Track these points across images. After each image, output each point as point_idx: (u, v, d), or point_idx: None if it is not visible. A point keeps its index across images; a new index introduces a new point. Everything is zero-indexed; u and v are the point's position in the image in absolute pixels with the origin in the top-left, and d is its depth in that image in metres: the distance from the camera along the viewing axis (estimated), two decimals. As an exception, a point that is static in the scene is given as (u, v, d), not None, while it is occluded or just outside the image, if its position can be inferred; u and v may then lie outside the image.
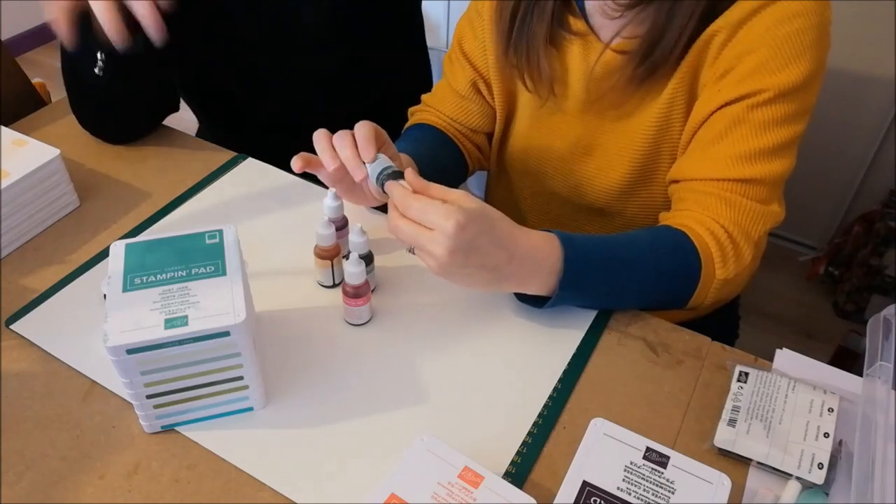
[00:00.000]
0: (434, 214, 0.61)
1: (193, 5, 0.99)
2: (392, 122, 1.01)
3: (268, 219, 0.86)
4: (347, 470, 0.61)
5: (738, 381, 0.66)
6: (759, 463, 0.61)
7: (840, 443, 0.62)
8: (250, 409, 0.65)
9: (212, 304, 0.59)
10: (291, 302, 0.76)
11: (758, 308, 1.77)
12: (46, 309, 0.75)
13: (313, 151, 0.80)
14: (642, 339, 0.73)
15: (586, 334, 0.73)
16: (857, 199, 1.78)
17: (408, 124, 0.98)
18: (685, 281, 0.73)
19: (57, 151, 0.83)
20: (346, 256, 0.77)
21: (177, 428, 0.64)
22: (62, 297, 0.76)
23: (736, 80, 0.71)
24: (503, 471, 0.61)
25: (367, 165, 0.70)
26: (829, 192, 1.80)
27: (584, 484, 0.56)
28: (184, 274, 0.61)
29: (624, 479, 0.57)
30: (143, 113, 0.98)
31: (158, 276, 0.61)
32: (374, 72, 1.11)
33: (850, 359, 1.51)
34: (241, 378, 0.62)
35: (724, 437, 0.62)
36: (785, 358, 0.70)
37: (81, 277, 0.78)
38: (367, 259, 0.73)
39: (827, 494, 0.59)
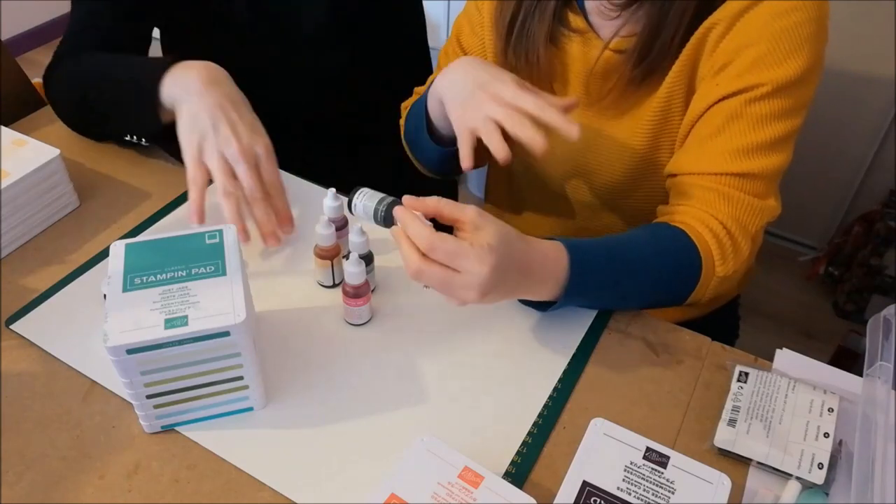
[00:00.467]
0: (465, 259, 0.58)
1: (194, 5, 0.99)
2: (392, 122, 1.01)
3: (268, 219, 0.86)
4: (347, 470, 0.61)
5: (738, 381, 0.66)
6: (759, 463, 0.61)
7: (840, 443, 0.62)
8: (250, 409, 0.65)
9: (212, 304, 0.59)
10: (291, 302, 0.76)
11: (758, 308, 1.77)
12: (46, 309, 0.75)
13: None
14: (642, 339, 0.73)
15: (586, 334, 0.73)
16: (857, 199, 1.78)
17: (402, 119, 0.98)
18: (686, 279, 0.73)
19: (57, 151, 0.83)
20: (346, 256, 0.77)
21: (177, 428, 0.64)
22: (62, 297, 0.76)
23: (734, 74, 0.71)
24: (503, 471, 0.61)
25: (357, 198, 0.70)
26: (829, 192, 1.80)
27: (584, 484, 0.56)
28: (184, 274, 0.61)
29: (624, 479, 0.57)
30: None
31: (158, 276, 0.61)
32: (374, 71, 1.11)
33: (850, 359, 1.51)
34: (241, 378, 0.62)
35: (724, 437, 0.62)
36: (785, 358, 0.70)
37: (81, 277, 0.78)
38: (367, 259, 0.73)
39: (827, 494, 0.59)
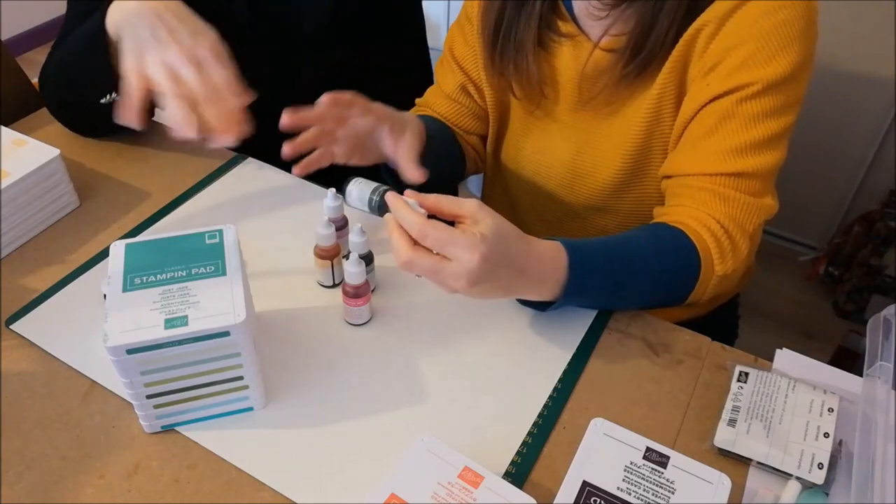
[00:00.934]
0: (456, 247, 0.58)
1: (193, 5, 0.99)
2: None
3: (268, 219, 0.86)
4: (347, 470, 0.61)
5: (738, 381, 0.66)
6: (759, 463, 0.61)
7: (840, 443, 0.62)
8: (250, 409, 0.65)
9: (212, 304, 0.59)
10: (291, 302, 0.76)
11: (758, 308, 1.77)
12: (46, 309, 0.75)
13: (311, 152, 0.81)
14: (642, 339, 0.73)
15: (586, 334, 0.73)
16: (857, 199, 1.78)
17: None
18: (685, 279, 0.73)
19: (57, 151, 0.83)
20: (346, 256, 0.77)
21: (177, 428, 0.64)
22: (62, 297, 0.76)
23: (724, 74, 0.71)
24: (503, 471, 0.61)
25: (352, 185, 0.69)
26: (829, 192, 1.80)
27: (584, 484, 0.56)
28: (184, 274, 0.61)
29: (624, 479, 0.57)
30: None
31: (158, 276, 0.61)
32: (374, 72, 1.11)
33: (850, 359, 1.51)
34: (241, 378, 0.62)
35: (724, 437, 0.62)
36: (785, 358, 0.70)
37: (81, 277, 0.78)
38: (367, 259, 0.73)
39: (827, 494, 0.59)
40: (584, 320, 0.74)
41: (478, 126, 0.95)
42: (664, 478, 0.57)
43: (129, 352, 0.56)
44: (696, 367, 0.70)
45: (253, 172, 0.94)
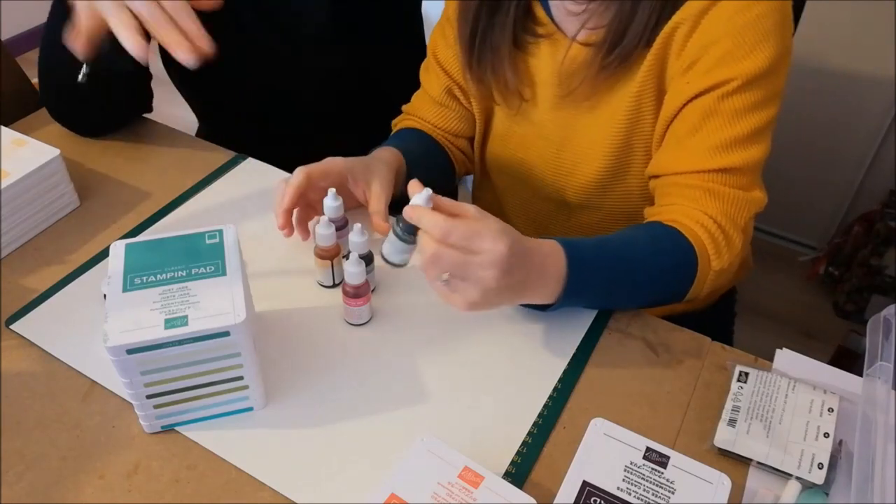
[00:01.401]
0: (483, 240, 0.57)
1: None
2: (391, 122, 1.01)
3: (268, 219, 0.86)
4: (347, 470, 0.61)
5: (738, 381, 0.66)
6: (759, 463, 0.61)
7: (840, 443, 0.62)
8: (250, 409, 0.65)
9: (212, 304, 0.59)
10: (291, 302, 0.76)
11: (758, 308, 1.77)
12: (46, 309, 0.75)
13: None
14: (642, 339, 0.73)
15: (586, 334, 0.73)
16: (857, 199, 1.78)
17: (391, 135, 0.99)
18: (683, 276, 0.73)
19: (57, 151, 0.83)
20: (346, 256, 0.77)
21: (177, 428, 0.64)
22: (62, 297, 0.76)
23: (703, 72, 0.72)
24: (503, 471, 0.61)
25: (383, 250, 0.65)
26: (829, 192, 1.80)
27: (584, 484, 0.56)
28: (184, 274, 0.61)
29: (624, 480, 0.57)
30: (112, 113, 0.99)
31: (158, 276, 0.61)
32: (374, 72, 1.11)
33: (850, 359, 1.51)
34: (241, 378, 0.62)
35: (724, 437, 0.62)
36: (785, 358, 0.70)
37: (81, 277, 0.78)
38: (367, 259, 0.73)
39: (827, 494, 0.59)
40: (584, 320, 0.74)
41: (466, 129, 0.96)
42: (664, 478, 0.57)
43: (129, 352, 0.56)
44: (696, 367, 0.70)
45: (253, 172, 0.94)
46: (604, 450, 0.59)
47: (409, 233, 0.61)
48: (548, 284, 0.66)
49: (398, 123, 0.99)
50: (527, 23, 0.82)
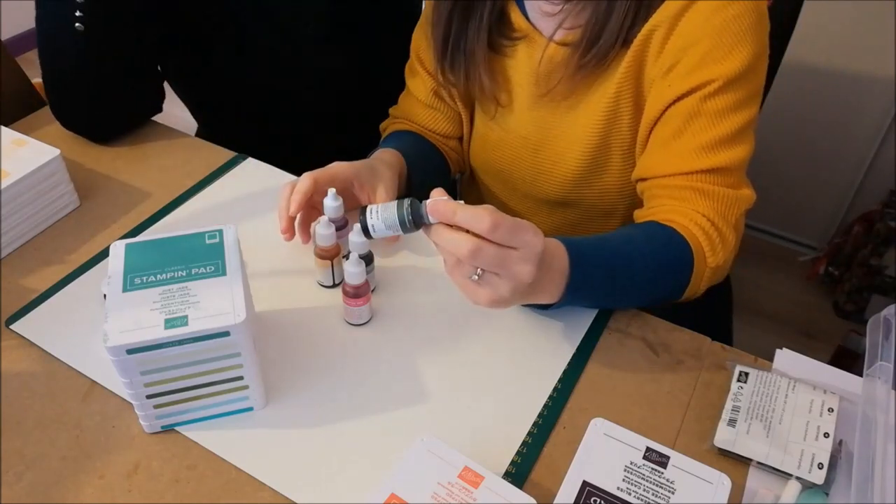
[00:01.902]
0: (526, 233, 0.57)
1: (196, 7, 0.99)
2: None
3: (268, 219, 0.86)
4: (347, 470, 0.61)
5: (738, 381, 0.66)
6: (759, 463, 0.61)
7: (840, 443, 0.62)
8: (250, 409, 0.65)
9: (212, 304, 0.59)
10: (291, 302, 0.76)
11: (757, 308, 1.77)
12: (46, 309, 0.75)
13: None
14: (642, 339, 0.73)
15: (586, 334, 0.73)
16: (857, 199, 1.78)
17: (382, 138, 0.98)
18: (681, 274, 0.74)
19: (57, 151, 0.83)
20: (346, 256, 0.77)
21: (177, 428, 0.64)
22: (62, 297, 0.76)
23: (683, 74, 0.72)
24: (503, 471, 0.61)
25: (372, 217, 0.61)
26: (829, 192, 1.80)
27: (584, 484, 0.56)
28: (184, 274, 0.61)
29: (624, 480, 0.57)
30: (121, 106, 0.98)
31: (158, 276, 0.61)
32: (374, 72, 1.11)
33: (850, 359, 1.51)
34: (241, 378, 0.62)
35: (724, 437, 0.62)
36: (785, 358, 0.70)
37: (81, 277, 0.78)
38: (367, 259, 0.73)
39: (827, 494, 0.59)
40: (583, 320, 0.74)
41: (456, 129, 0.96)
42: (664, 478, 0.57)
43: (129, 352, 0.56)
44: (696, 367, 0.70)
45: (253, 172, 0.94)
46: (604, 450, 0.59)
47: (413, 222, 0.59)
48: (553, 282, 0.66)
49: (388, 127, 0.99)
50: (501, 26, 0.83)
